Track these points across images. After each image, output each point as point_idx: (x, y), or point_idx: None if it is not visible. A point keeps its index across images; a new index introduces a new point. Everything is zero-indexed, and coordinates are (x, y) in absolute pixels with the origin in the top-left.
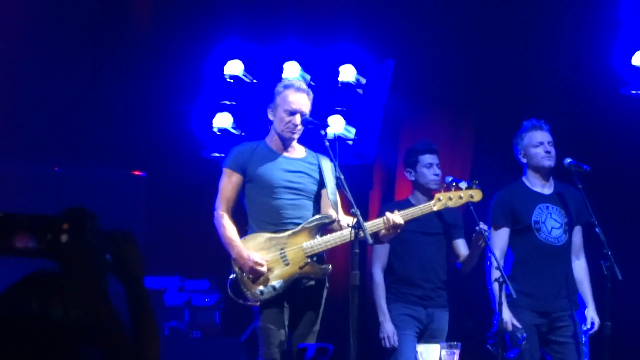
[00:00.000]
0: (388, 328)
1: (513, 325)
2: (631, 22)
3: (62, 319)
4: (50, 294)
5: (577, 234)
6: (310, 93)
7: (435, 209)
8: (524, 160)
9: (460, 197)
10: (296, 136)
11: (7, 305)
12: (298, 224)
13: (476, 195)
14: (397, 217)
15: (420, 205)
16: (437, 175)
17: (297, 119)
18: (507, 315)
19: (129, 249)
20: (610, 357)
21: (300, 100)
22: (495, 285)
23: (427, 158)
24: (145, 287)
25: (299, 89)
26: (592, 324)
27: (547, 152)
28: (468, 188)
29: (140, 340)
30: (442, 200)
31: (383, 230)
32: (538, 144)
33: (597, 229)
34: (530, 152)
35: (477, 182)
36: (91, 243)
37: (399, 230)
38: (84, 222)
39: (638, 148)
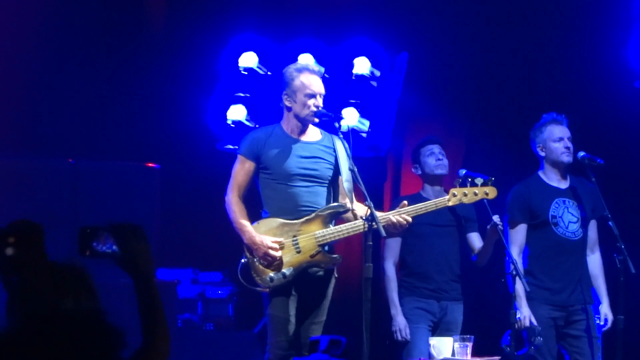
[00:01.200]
0: (400, 321)
1: (530, 322)
2: None
3: (94, 311)
4: (80, 287)
5: (592, 228)
6: (320, 73)
7: (450, 204)
8: (542, 154)
9: (475, 194)
10: (317, 119)
11: (42, 303)
12: (313, 211)
13: (491, 192)
14: (401, 218)
15: (435, 200)
16: (440, 160)
17: (319, 100)
18: (526, 311)
19: (138, 243)
20: (624, 350)
21: (318, 82)
22: (510, 279)
23: (428, 148)
24: (155, 281)
25: (313, 71)
26: (606, 320)
27: (567, 147)
28: (483, 185)
29: (150, 333)
30: (457, 196)
31: (391, 229)
32: (558, 139)
33: (610, 222)
34: (550, 147)
35: (492, 179)
36: (37, 253)
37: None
38: (30, 234)
39: None
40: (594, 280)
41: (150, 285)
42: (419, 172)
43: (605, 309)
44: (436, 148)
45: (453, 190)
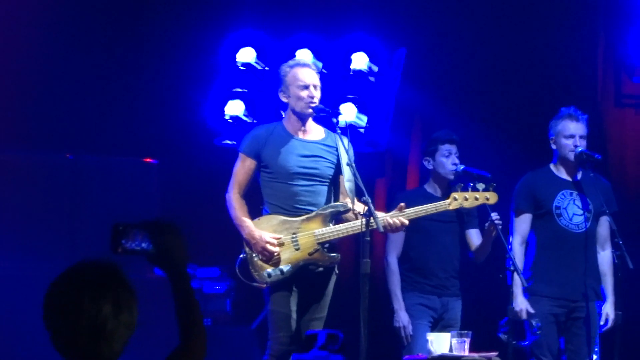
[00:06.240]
0: (403, 317)
1: (528, 312)
2: None
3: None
4: (102, 288)
5: (604, 224)
6: (314, 66)
7: (450, 208)
8: (554, 147)
9: (476, 199)
10: (312, 111)
11: (60, 294)
12: (312, 210)
13: (492, 198)
14: (398, 220)
15: (436, 204)
16: (455, 164)
17: (312, 90)
18: (522, 303)
19: (173, 239)
20: (621, 346)
21: (310, 74)
22: (509, 274)
23: (447, 147)
24: (189, 277)
25: (304, 65)
26: (607, 320)
27: (576, 146)
28: (485, 190)
29: (188, 331)
30: (458, 200)
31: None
32: (569, 135)
33: (608, 218)
34: (560, 142)
35: (494, 184)
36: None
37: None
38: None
39: None
40: (602, 277)
41: (187, 281)
42: (430, 167)
43: (607, 309)
44: (454, 149)
45: (454, 194)
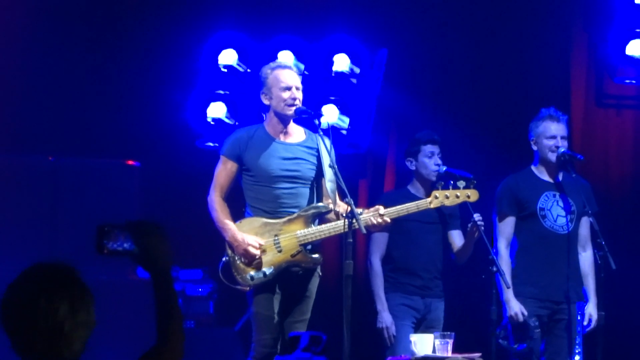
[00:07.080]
0: (386, 318)
1: (523, 315)
2: (625, 12)
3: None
4: (57, 289)
5: (585, 225)
6: (296, 68)
7: (431, 206)
8: (535, 148)
9: (457, 197)
10: (294, 113)
11: (16, 297)
12: (294, 212)
13: (473, 195)
14: (382, 220)
15: (417, 202)
16: (438, 165)
17: (295, 92)
18: (516, 306)
19: (156, 240)
20: (604, 346)
21: (292, 75)
22: (496, 277)
23: (429, 148)
24: (172, 278)
25: (285, 66)
26: (590, 320)
27: (557, 146)
28: (465, 188)
29: (166, 331)
30: (439, 198)
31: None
32: (550, 136)
33: (591, 219)
34: (542, 143)
35: (474, 182)
36: None
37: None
38: None
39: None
40: (584, 278)
41: (169, 282)
42: (413, 168)
43: (590, 309)
44: (437, 149)
45: (435, 193)
